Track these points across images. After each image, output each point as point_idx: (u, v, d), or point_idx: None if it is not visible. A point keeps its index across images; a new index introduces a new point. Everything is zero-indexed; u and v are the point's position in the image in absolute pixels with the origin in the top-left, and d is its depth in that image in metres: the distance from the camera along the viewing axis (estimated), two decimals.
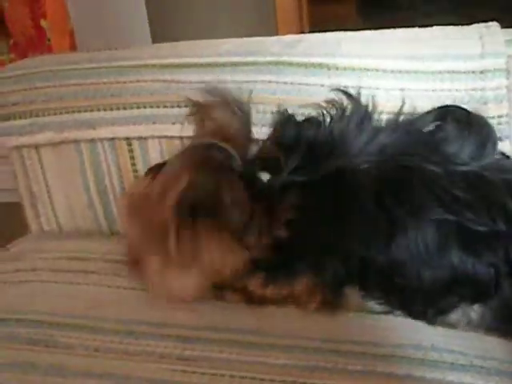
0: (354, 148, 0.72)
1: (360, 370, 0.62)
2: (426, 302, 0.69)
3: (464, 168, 0.69)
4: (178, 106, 0.93)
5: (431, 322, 0.69)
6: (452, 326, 0.68)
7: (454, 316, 0.68)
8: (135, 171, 0.97)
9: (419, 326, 0.69)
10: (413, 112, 0.79)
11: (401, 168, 0.70)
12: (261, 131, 0.81)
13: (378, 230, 0.68)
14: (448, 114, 0.75)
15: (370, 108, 0.77)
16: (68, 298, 0.79)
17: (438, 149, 0.71)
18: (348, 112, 0.75)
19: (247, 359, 0.65)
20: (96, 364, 0.66)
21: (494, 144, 0.73)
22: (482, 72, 0.85)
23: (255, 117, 0.79)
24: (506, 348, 0.65)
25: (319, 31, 1.01)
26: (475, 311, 0.67)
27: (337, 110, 0.76)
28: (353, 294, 0.71)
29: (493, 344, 0.66)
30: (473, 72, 0.85)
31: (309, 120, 0.77)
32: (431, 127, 0.74)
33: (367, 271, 0.69)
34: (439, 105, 0.79)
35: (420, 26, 0.95)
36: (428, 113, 0.76)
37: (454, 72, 0.86)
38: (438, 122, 0.74)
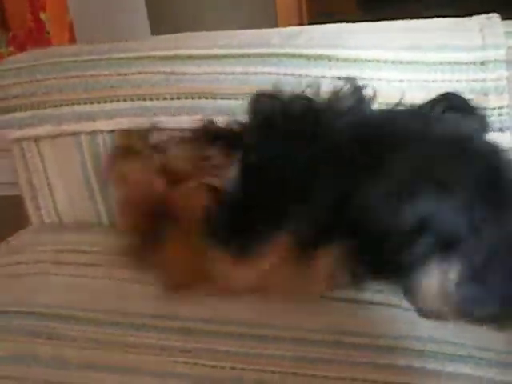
0: (337, 123, 0.74)
1: (361, 362, 0.62)
2: (395, 250, 0.66)
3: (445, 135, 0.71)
4: (179, 98, 0.93)
5: (403, 275, 0.68)
6: (432, 286, 0.66)
7: (430, 272, 0.66)
8: None
9: (419, 317, 0.68)
10: (412, 103, 0.79)
11: (380, 128, 0.73)
12: None
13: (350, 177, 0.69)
14: (445, 101, 0.76)
15: (369, 97, 0.77)
16: (69, 290, 0.80)
17: (426, 127, 0.72)
18: (341, 96, 0.77)
19: (248, 351, 0.65)
20: (98, 356, 0.66)
21: (483, 131, 0.75)
22: (482, 63, 0.85)
23: None
24: (502, 338, 0.66)
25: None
26: (454, 270, 0.65)
27: (332, 94, 0.77)
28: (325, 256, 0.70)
29: (489, 334, 0.66)
30: (473, 63, 0.85)
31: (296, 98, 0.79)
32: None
33: (338, 221, 0.69)
34: None
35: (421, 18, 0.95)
36: (426, 103, 0.77)
37: (454, 63, 0.85)
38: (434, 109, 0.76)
